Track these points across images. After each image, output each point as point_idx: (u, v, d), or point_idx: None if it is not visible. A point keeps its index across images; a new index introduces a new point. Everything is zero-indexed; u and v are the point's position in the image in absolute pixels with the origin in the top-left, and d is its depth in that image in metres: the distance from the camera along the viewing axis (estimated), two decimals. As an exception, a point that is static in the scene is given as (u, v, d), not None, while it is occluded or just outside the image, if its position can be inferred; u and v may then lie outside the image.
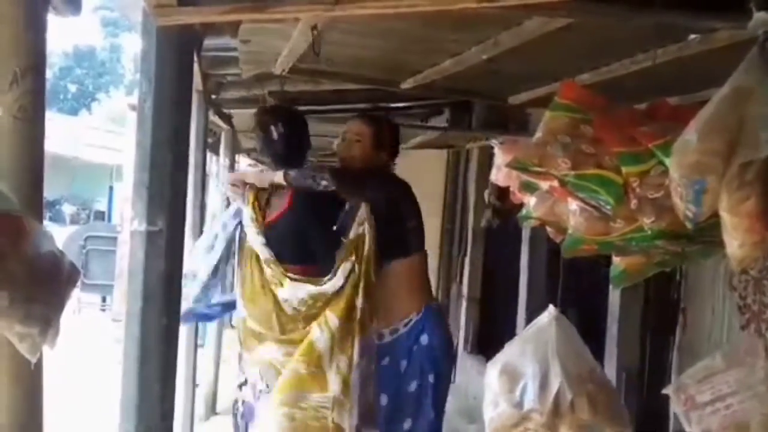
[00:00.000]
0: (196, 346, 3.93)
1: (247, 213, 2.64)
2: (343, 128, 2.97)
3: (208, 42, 3.02)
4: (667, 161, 1.22)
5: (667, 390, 1.47)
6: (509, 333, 4.92)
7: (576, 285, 4.79)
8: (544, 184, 1.45)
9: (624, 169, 1.32)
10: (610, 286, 3.54)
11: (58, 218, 20.17)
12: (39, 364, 1.13)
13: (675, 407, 1.45)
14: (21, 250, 1.00)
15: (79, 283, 1.30)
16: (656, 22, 1.86)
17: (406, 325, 2.56)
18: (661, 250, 1.43)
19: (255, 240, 2.59)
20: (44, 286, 1.04)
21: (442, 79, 3.23)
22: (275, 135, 2.70)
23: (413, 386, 2.54)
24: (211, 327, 5.31)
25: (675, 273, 3.45)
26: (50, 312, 1.04)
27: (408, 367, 2.54)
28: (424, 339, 2.54)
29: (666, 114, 1.46)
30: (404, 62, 3.15)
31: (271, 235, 2.62)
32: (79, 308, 8.54)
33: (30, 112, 1.18)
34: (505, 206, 4.88)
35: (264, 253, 2.57)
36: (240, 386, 2.68)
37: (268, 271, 2.55)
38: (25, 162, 1.19)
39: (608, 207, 1.32)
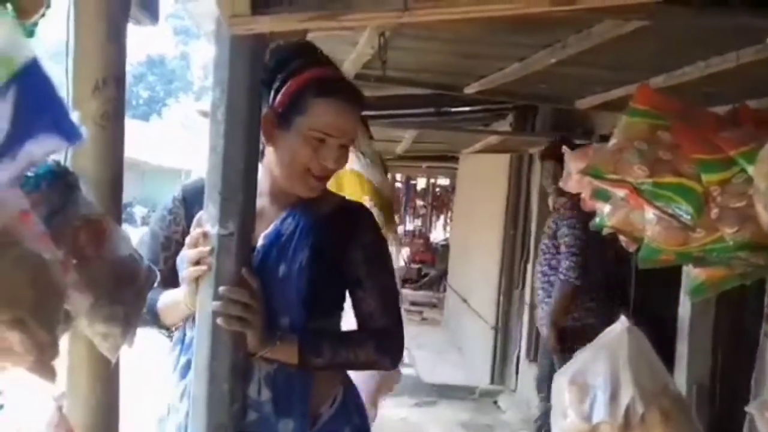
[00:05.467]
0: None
1: None
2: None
3: (276, 49, 3.08)
4: (751, 169, 1.17)
5: (750, 408, 1.41)
6: (573, 341, 4.82)
7: (644, 294, 4.66)
8: (620, 192, 1.40)
9: (704, 177, 1.26)
10: (681, 296, 3.42)
11: (129, 220, 20.93)
12: (117, 363, 1.18)
13: (759, 425, 1.38)
14: (103, 252, 1.04)
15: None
16: (735, 24, 1.79)
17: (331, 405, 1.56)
18: (743, 262, 1.37)
19: None
20: (125, 287, 1.07)
21: (508, 83, 3.20)
22: None
23: None
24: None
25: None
26: (130, 312, 1.08)
27: None
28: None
29: (749, 119, 1.40)
30: (470, 67, 3.14)
31: None
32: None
33: (111, 118, 1.23)
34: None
35: None
36: None
37: None
38: (105, 167, 1.24)
39: (687, 216, 1.27)
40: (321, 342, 1.47)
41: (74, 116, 0.82)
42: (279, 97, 1.46)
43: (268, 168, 1.52)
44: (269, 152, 1.51)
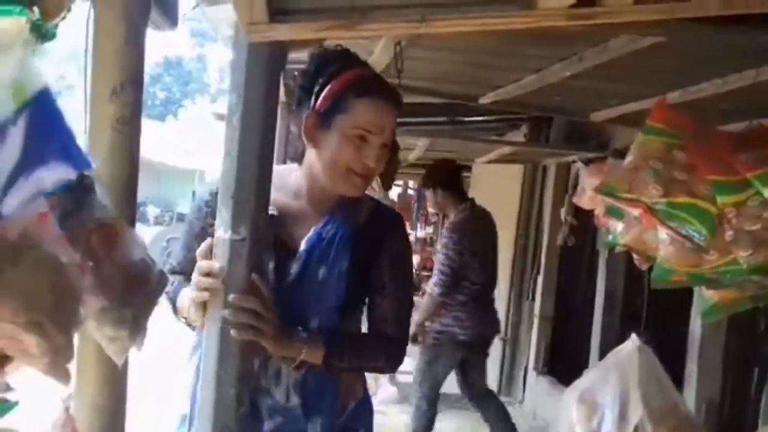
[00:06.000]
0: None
1: None
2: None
3: (292, 55, 3.09)
4: (767, 192, 1.16)
5: (761, 433, 1.39)
6: (582, 354, 4.80)
7: (655, 310, 4.62)
8: (634, 211, 1.39)
9: (719, 199, 1.25)
10: (692, 314, 3.40)
11: (142, 219, 21.05)
12: (125, 366, 1.18)
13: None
14: (115, 256, 1.04)
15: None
16: (754, 41, 1.78)
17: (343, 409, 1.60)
18: (756, 285, 1.35)
19: None
20: (135, 290, 1.08)
21: (523, 95, 3.20)
22: None
23: None
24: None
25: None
26: (139, 315, 1.08)
27: None
28: None
29: (764, 138, 1.38)
30: (486, 77, 3.14)
31: None
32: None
33: (128, 122, 1.24)
34: (581, 224, 4.80)
35: None
36: None
37: None
38: (121, 170, 1.25)
39: (701, 238, 1.25)
40: (344, 349, 1.50)
41: (82, 144, 0.83)
42: (320, 99, 1.49)
43: (309, 170, 1.54)
44: (311, 153, 1.52)
